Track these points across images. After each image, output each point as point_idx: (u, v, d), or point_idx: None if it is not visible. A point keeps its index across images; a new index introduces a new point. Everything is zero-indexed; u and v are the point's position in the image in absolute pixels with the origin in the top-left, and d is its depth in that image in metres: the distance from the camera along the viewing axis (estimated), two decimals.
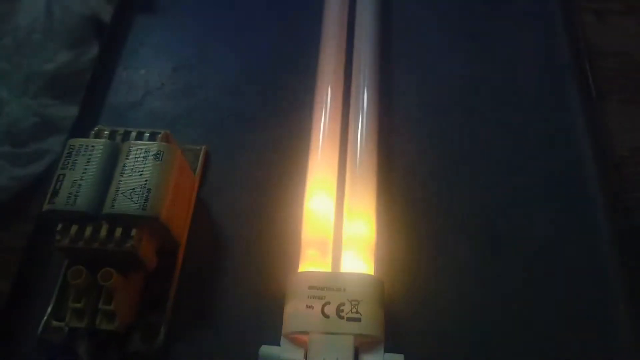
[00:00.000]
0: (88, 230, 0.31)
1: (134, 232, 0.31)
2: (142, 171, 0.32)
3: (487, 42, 0.45)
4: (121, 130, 0.35)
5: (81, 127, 0.41)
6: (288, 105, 0.42)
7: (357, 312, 0.30)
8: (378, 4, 0.45)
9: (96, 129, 0.35)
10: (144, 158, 0.33)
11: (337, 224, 0.35)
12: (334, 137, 0.39)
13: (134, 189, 0.31)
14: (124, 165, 0.32)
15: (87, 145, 0.33)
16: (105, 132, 0.35)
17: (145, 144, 0.33)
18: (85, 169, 0.32)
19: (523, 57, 0.45)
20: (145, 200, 0.31)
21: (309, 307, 0.30)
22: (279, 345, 0.30)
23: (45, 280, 0.35)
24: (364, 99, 0.41)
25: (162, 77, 0.44)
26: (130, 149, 0.33)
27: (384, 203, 0.37)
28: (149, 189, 0.31)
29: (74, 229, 0.31)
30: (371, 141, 0.38)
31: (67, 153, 0.33)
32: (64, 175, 0.32)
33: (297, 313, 0.30)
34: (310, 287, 0.31)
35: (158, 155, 0.33)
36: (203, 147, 0.40)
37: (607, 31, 0.48)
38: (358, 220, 0.34)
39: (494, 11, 0.47)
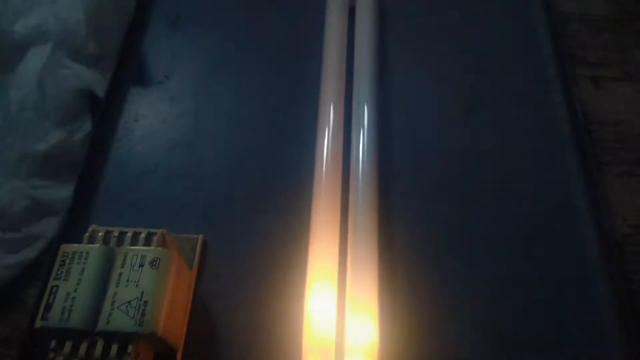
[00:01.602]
0: (83, 348, 0.30)
1: (130, 348, 0.30)
2: (138, 281, 0.31)
3: (486, 114, 0.45)
4: (116, 231, 0.34)
5: (75, 211, 0.41)
6: (288, 187, 0.42)
7: None
8: (374, 80, 0.44)
9: (90, 229, 0.34)
10: (139, 266, 0.32)
11: (339, 321, 0.34)
12: (334, 227, 0.38)
13: (129, 302, 0.31)
14: (120, 274, 0.32)
15: (80, 252, 0.33)
16: (100, 234, 0.34)
17: (141, 250, 0.33)
18: (80, 279, 0.32)
19: (522, 129, 0.45)
20: (142, 315, 0.30)
21: None
22: None
23: None
24: (363, 183, 0.40)
25: (157, 155, 0.43)
26: (125, 256, 0.32)
27: (386, 297, 0.36)
28: (146, 302, 0.31)
29: (68, 345, 0.30)
30: (371, 232, 0.37)
31: (61, 261, 0.32)
32: (58, 286, 0.31)
33: None
34: None
35: (154, 263, 0.32)
36: (200, 237, 0.40)
37: (605, 98, 0.47)
38: (361, 320, 0.33)
39: (492, 81, 0.46)
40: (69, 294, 0.31)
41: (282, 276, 0.38)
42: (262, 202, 0.41)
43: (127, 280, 0.31)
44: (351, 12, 0.49)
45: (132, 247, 0.33)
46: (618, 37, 0.50)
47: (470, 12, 0.50)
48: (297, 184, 0.41)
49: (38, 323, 0.30)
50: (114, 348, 0.30)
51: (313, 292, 0.35)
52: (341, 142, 0.42)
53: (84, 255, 0.32)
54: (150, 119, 0.46)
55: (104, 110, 0.45)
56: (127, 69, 0.48)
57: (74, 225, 0.41)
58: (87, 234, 0.34)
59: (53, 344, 0.30)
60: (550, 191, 0.42)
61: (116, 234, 0.34)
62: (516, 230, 0.40)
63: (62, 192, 0.44)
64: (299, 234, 0.39)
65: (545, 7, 0.50)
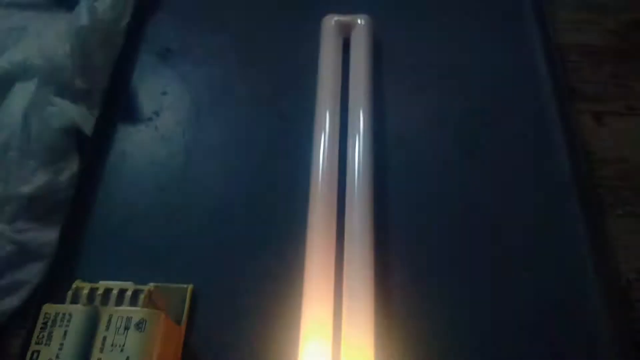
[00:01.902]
0: None
1: None
2: (124, 346, 0.30)
3: (484, 157, 0.43)
4: (101, 288, 0.33)
5: (61, 257, 0.40)
6: (281, 233, 0.41)
7: None
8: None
9: (74, 286, 0.33)
10: (125, 329, 0.31)
11: None
12: (329, 277, 0.37)
13: None
14: (104, 338, 0.30)
15: (63, 314, 0.31)
16: (84, 291, 0.32)
17: (126, 311, 0.31)
18: (62, 344, 0.30)
19: (522, 173, 0.43)
20: None
21: None
22: None
23: None
24: (359, 234, 0.38)
25: (146, 198, 0.42)
26: (110, 318, 0.31)
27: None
28: None
29: None
30: (368, 286, 0.36)
31: (43, 323, 0.31)
32: (39, 352, 0.30)
33: None
34: None
35: (140, 325, 0.31)
36: (189, 288, 0.38)
37: (607, 135, 0.46)
38: None
39: (492, 121, 0.45)
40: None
41: (276, 327, 0.37)
42: (255, 249, 0.40)
43: (112, 345, 0.30)
44: (345, 49, 0.47)
45: (118, 308, 0.31)
46: (619, 70, 0.49)
47: (469, 47, 0.49)
48: (290, 229, 0.40)
49: None
50: None
51: (307, 348, 0.34)
52: (335, 183, 0.41)
53: (67, 317, 0.31)
54: (139, 158, 0.44)
55: (91, 150, 0.43)
56: (116, 105, 0.47)
57: (59, 272, 0.39)
58: (71, 291, 0.33)
59: None
60: (551, 236, 0.40)
61: (101, 292, 0.32)
62: (516, 277, 0.39)
63: (47, 236, 0.42)
64: (292, 282, 0.38)
65: (545, 39, 0.48)
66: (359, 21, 0.48)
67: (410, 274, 0.39)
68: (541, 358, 0.36)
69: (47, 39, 0.49)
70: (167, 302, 0.35)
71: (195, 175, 0.43)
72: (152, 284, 0.34)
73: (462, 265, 0.39)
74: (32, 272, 0.41)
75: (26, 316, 0.38)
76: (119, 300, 0.32)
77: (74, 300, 0.32)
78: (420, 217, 0.41)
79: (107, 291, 0.33)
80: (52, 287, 0.38)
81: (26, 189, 0.42)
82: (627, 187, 0.44)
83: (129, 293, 0.32)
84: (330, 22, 0.48)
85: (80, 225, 0.41)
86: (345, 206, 0.40)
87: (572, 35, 0.51)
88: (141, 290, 0.33)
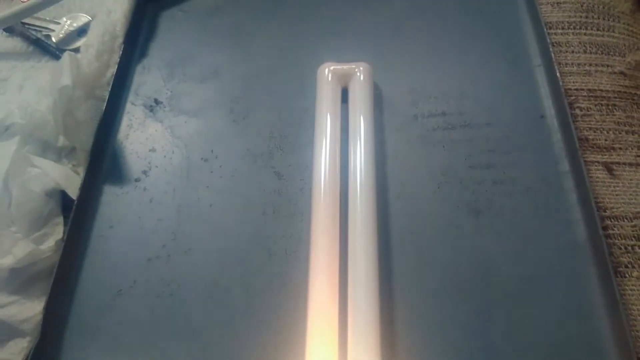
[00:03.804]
0: None
1: None
2: None
3: (492, 216, 0.41)
4: None
5: (44, 334, 0.38)
6: (278, 307, 0.38)
7: None
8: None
9: None
10: None
11: None
12: (332, 346, 0.34)
13: None
14: None
15: None
16: None
17: None
18: None
19: (532, 232, 0.41)
20: None
21: None
22: None
23: None
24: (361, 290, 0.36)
25: (134, 271, 0.39)
26: None
27: None
28: None
29: None
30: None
31: None
32: None
33: None
34: None
35: None
36: None
37: (619, 188, 0.44)
38: None
39: (499, 180, 0.43)
40: None
41: None
42: (253, 325, 0.37)
43: None
44: (344, 97, 0.45)
45: None
46: (630, 116, 0.47)
47: (475, 96, 0.47)
48: (287, 303, 0.37)
49: None
50: None
51: None
52: (337, 240, 0.39)
53: None
54: (127, 224, 0.42)
55: (75, 215, 0.41)
56: (102, 165, 0.44)
57: (42, 352, 0.37)
58: None
59: None
60: (565, 300, 0.38)
61: None
62: (529, 343, 0.37)
63: (31, 310, 0.40)
64: (294, 353, 0.36)
65: (553, 85, 0.46)
66: (357, 70, 0.46)
67: (418, 332, 0.36)
68: None
69: (29, 93, 0.47)
70: None
71: (186, 241, 0.41)
72: None
73: (467, 328, 0.37)
74: (15, 350, 0.39)
75: None
76: None
77: None
78: (424, 278, 0.39)
79: None
80: None
81: (6, 261, 0.40)
82: None
83: None
84: (327, 71, 0.46)
85: (65, 298, 0.39)
86: (348, 265, 0.38)
87: (580, 79, 0.49)
88: None
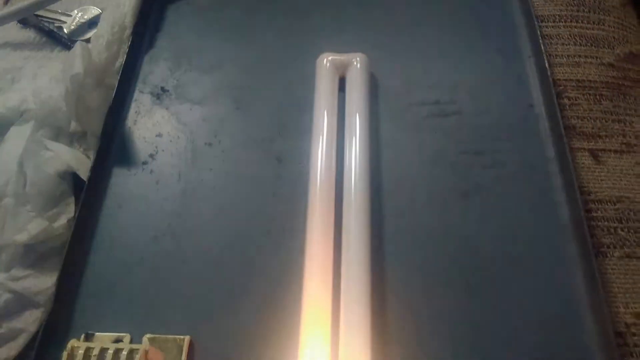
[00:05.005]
0: None
1: None
2: None
3: (480, 198, 0.43)
4: (96, 348, 0.33)
5: (57, 306, 0.40)
6: (278, 281, 0.41)
7: None
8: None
9: (69, 347, 0.33)
10: None
11: None
12: (325, 323, 0.37)
13: None
14: None
15: None
16: (80, 351, 0.32)
17: None
18: None
19: (518, 214, 0.43)
20: None
21: None
22: None
23: None
24: (357, 271, 0.39)
25: (142, 247, 0.42)
26: None
27: None
28: None
29: None
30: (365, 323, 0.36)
31: None
32: None
33: None
34: None
35: None
36: (186, 339, 0.38)
37: (604, 174, 0.46)
38: None
39: (488, 165, 0.45)
40: None
41: None
42: (251, 297, 0.39)
43: None
44: (341, 87, 0.48)
45: None
46: (617, 106, 0.49)
47: (466, 86, 0.49)
48: (287, 277, 0.40)
49: None
50: None
51: None
52: (332, 226, 0.41)
53: None
54: (134, 204, 0.44)
55: (86, 195, 0.43)
56: (111, 148, 0.47)
57: (56, 320, 0.40)
58: (66, 352, 0.33)
59: None
60: (548, 279, 0.40)
61: (96, 353, 0.32)
62: (511, 318, 0.39)
63: (43, 283, 0.42)
64: (290, 328, 0.38)
65: (542, 75, 0.48)
66: (354, 60, 0.48)
67: (409, 313, 0.39)
68: None
69: (43, 81, 0.49)
70: (164, 355, 0.35)
71: (191, 220, 0.43)
72: (148, 336, 0.34)
73: (456, 306, 0.39)
74: (29, 321, 0.41)
75: None
76: (115, 357, 0.32)
77: None
78: (415, 258, 0.41)
79: (103, 351, 0.32)
80: (49, 336, 0.38)
81: (22, 237, 0.42)
82: (625, 228, 0.43)
83: (124, 353, 0.32)
84: (325, 61, 0.48)
85: (76, 272, 0.41)
86: (342, 246, 0.40)
87: (569, 69, 0.51)
88: (136, 350, 0.32)
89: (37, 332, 0.40)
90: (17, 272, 0.42)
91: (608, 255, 0.42)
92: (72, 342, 0.34)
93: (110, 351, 0.33)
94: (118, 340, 0.37)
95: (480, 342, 0.38)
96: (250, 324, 0.39)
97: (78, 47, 0.46)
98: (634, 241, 0.43)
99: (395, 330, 0.39)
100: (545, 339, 0.38)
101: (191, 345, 0.38)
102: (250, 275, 0.41)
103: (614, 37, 0.54)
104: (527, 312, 0.39)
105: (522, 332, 0.39)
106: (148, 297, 0.40)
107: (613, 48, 0.53)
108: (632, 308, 0.40)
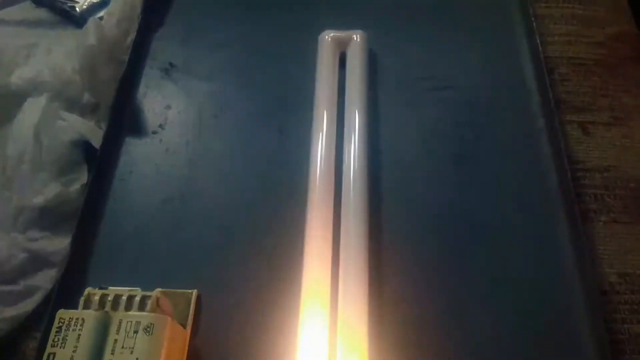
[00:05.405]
0: None
1: None
2: (133, 348, 0.32)
3: (474, 166, 0.45)
4: (111, 294, 0.35)
5: (72, 264, 0.42)
6: (279, 240, 0.43)
7: None
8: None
9: (86, 293, 0.35)
10: (134, 332, 0.33)
11: None
12: (326, 278, 0.39)
13: None
14: (115, 341, 0.33)
15: (77, 319, 0.33)
16: (95, 297, 0.35)
17: (135, 316, 0.33)
18: (76, 346, 0.32)
19: (510, 181, 0.45)
20: None
21: None
22: None
23: None
24: (355, 237, 0.41)
25: (151, 209, 0.44)
26: (120, 323, 0.33)
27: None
28: None
29: None
30: (362, 280, 0.38)
31: (57, 328, 0.33)
32: (54, 354, 0.32)
33: None
34: None
35: (148, 329, 0.33)
36: (194, 292, 0.40)
37: (593, 144, 0.48)
38: None
39: (481, 136, 0.47)
40: None
41: (275, 329, 0.39)
42: (255, 255, 0.42)
43: (122, 347, 0.32)
44: (342, 63, 0.50)
45: (127, 313, 0.33)
46: (606, 82, 0.51)
47: (461, 62, 0.51)
48: (288, 237, 0.42)
49: None
50: None
51: (304, 347, 0.36)
52: (332, 192, 0.43)
53: (80, 322, 0.33)
54: (144, 171, 0.46)
55: (99, 162, 0.45)
56: (122, 119, 0.49)
57: (70, 280, 0.42)
58: (83, 297, 0.35)
59: None
60: (537, 242, 0.42)
61: (111, 298, 0.35)
62: (502, 278, 0.41)
63: (59, 244, 0.45)
64: (291, 286, 0.40)
65: (534, 53, 0.51)
66: (354, 37, 0.50)
67: (405, 270, 0.41)
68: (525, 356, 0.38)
69: (57, 56, 0.51)
70: (173, 307, 0.37)
71: (198, 185, 0.45)
72: (158, 290, 0.36)
73: (450, 268, 0.41)
74: (45, 279, 0.43)
75: (40, 320, 0.41)
76: (128, 306, 0.34)
77: (86, 307, 0.34)
78: (412, 222, 0.43)
79: (117, 297, 0.35)
80: (64, 293, 0.40)
81: (38, 200, 0.44)
82: (611, 195, 0.46)
83: (137, 299, 0.35)
84: (327, 38, 0.50)
85: (89, 234, 0.43)
86: (341, 211, 0.42)
87: (560, 47, 0.53)
88: (148, 297, 0.35)
89: (53, 289, 0.42)
90: (33, 233, 0.45)
91: (595, 220, 0.45)
92: (89, 290, 0.36)
93: (124, 297, 0.35)
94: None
95: (472, 302, 0.41)
96: (253, 279, 0.41)
97: (91, 22, 0.48)
98: (620, 207, 0.45)
99: (390, 292, 0.41)
100: (533, 298, 0.41)
101: (198, 298, 0.41)
102: (253, 235, 0.43)
103: (604, 18, 0.56)
104: (516, 270, 0.42)
105: (513, 291, 0.41)
106: (157, 255, 0.43)
107: (603, 28, 0.55)
108: (616, 268, 0.43)
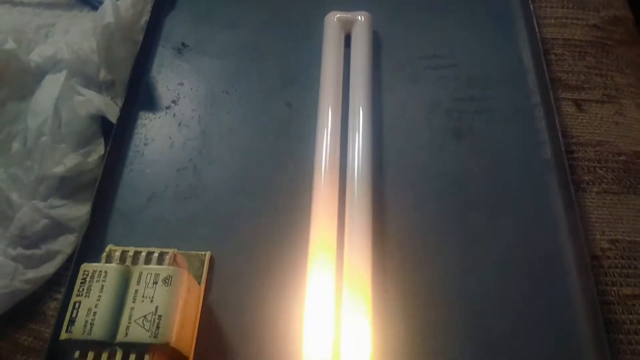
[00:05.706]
0: (104, 357, 0.33)
1: (146, 357, 0.33)
2: (153, 297, 0.35)
3: (473, 139, 0.48)
4: (131, 251, 0.37)
5: (91, 230, 0.45)
6: (287, 206, 0.45)
7: None
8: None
9: (107, 249, 0.37)
10: (153, 283, 0.35)
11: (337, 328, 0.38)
12: (331, 242, 0.41)
13: (145, 316, 0.34)
14: (136, 291, 0.35)
15: (100, 272, 0.36)
16: (116, 253, 0.37)
17: (154, 269, 0.36)
18: (100, 295, 0.35)
19: (507, 154, 0.47)
20: (156, 327, 0.33)
21: None
22: None
23: None
24: (360, 207, 0.43)
25: (166, 178, 0.46)
26: (140, 275, 0.35)
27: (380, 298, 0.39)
28: (160, 316, 0.34)
29: (90, 355, 0.33)
30: (366, 250, 0.40)
31: (82, 279, 0.35)
32: (80, 302, 0.34)
33: None
34: None
35: (167, 281, 0.35)
36: (207, 254, 0.43)
37: (586, 120, 0.50)
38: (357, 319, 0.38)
39: (480, 111, 0.49)
40: (90, 309, 0.34)
41: (284, 287, 0.42)
42: (264, 220, 0.44)
43: (143, 297, 0.34)
44: (347, 43, 0.52)
45: (147, 266, 0.36)
46: (600, 62, 0.53)
47: (461, 42, 0.53)
48: (296, 204, 0.45)
49: (63, 335, 0.33)
50: (132, 357, 0.33)
51: (311, 305, 0.39)
52: (337, 162, 0.46)
53: (103, 274, 0.35)
54: (159, 143, 0.49)
55: (115, 135, 0.48)
56: (137, 95, 0.51)
57: (90, 243, 0.44)
58: (105, 253, 0.37)
59: (77, 354, 0.33)
60: (532, 210, 0.45)
61: (131, 254, 0.37)
62: (497, 244, 0.43)
63: (78, 211, 0.47)
64: (298, 248, 0.42)
65: (531, 34, 0.53)
66: (359, 18, 0.53)
67: (408, 238, 0.44)
68: (515, 322, 0.40)
69: (74, 35, 0.54)
70: (189, 266, 0.40)
71: (210, 157, 0.48)
72: (175, 249, 0.39)
73: (450, 235, 0.44)
74: (65, 243, 0.46)
75: (61, 282, 0.43)
76: (147, 261, 0.37)
77: (108, 261, 0.37)
78: (414, 192, 0.46)
79: (137, 254, 0.37)
80: (83, 256, 0.43)
81: (58, 169, 0.47)
82: (603, 167, 0.48)
83: (155, 255, 0.37)
84: (333, 18, 0.53)
85: (107, 201, 0.46)
86: (347, 175, 0.45)
87: (556, 29, 0.55)
88: (166, 253, 0.37)
89: (73, 253, 0.44)
90: (54, 201, 0.47)
91: (587, 190, 0.47)
92: (110, 247, 0.38)
93: (143, 254, 0.38)
94: None
95: (470, 263, 0.43)
96: (262, 241, 0.44)
97: (108, 2, 0.51)
98: (611, 179, 0.47)
99: (393, 249, 0.43)
100: (528, 260, 0.43)
101: (211, 260, 0.43)
102: (263, 201, 0.45)
103: (599, 1, 0.58)
104: (512, 237, 0.44)
105: (508, 254, 0.43)
106: (172, 221, 0.45)
107: (598, 11, 0.58)
108: (607, 235, 0.45)
